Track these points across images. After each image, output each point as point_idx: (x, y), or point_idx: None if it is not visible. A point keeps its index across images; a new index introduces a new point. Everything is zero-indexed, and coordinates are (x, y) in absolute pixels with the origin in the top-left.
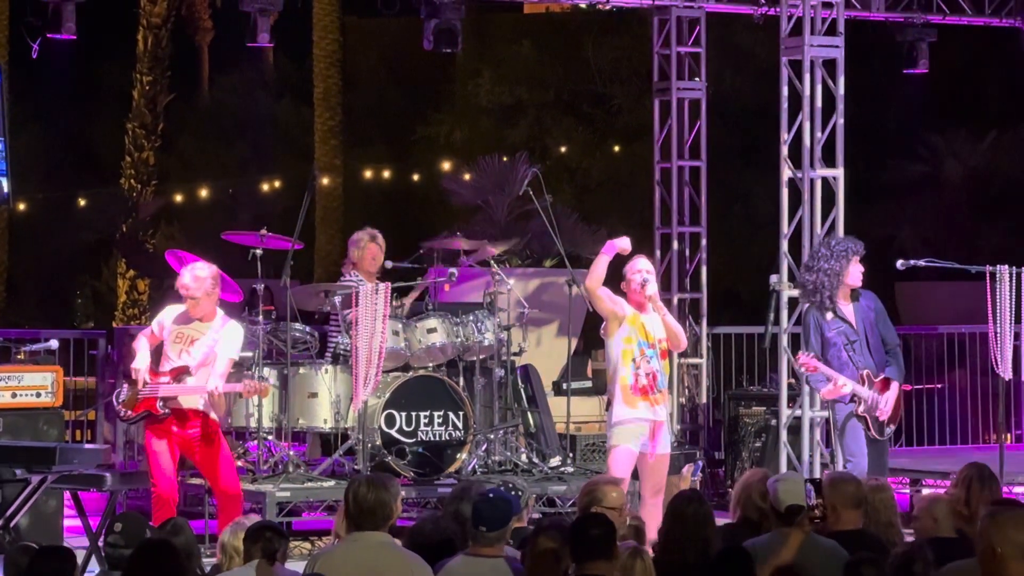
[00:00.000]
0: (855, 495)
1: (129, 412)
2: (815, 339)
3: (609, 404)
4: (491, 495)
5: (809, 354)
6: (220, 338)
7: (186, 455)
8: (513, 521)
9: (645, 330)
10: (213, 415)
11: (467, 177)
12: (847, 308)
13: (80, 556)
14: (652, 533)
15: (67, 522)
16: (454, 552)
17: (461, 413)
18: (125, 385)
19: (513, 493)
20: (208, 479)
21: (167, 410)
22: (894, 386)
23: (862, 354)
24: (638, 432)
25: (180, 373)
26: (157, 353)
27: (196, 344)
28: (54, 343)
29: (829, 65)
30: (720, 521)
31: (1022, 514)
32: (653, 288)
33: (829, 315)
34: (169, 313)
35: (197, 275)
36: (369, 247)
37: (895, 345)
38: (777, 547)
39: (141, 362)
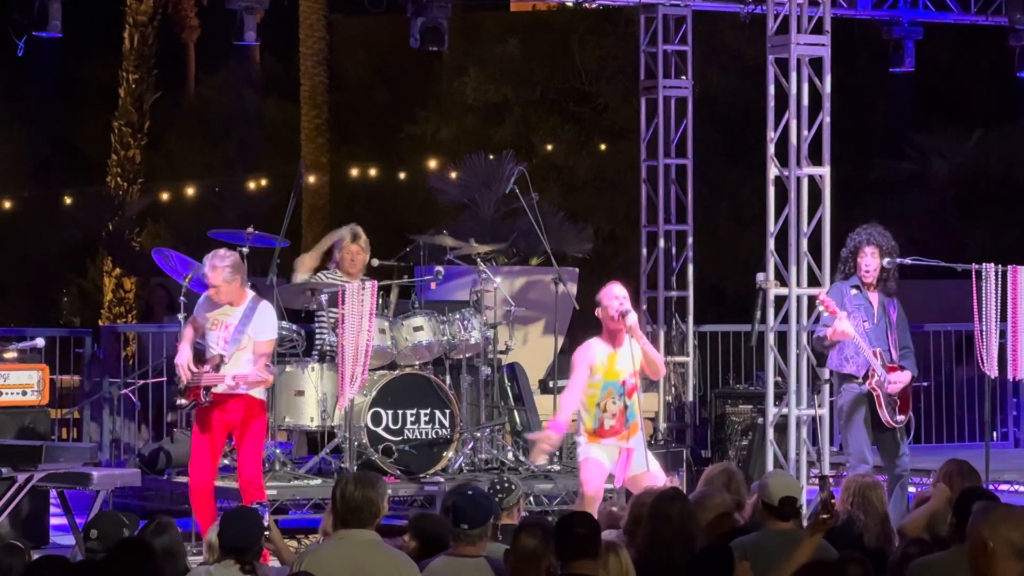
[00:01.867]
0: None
1: (182, 400)
2: (835, 299)
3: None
4: (470, 493)
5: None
6: (254, 321)
7: (232, 436)
8: (503, 517)
9: (614, 368)
10: (256, 394)
11: (453, 175)
12: (873, 296)
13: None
14: None
15: (53, 520)
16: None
17: (447, 411)
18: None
19: (507, 486)
20: (238, 462)
21: (209, 399)
22: (907, 373)
23: (878, 336)
24: (605, 452)
25: (218, 363)
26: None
27: (230, 329)
28: (40, 341)
29: (815, 63)
30: None
31: (1017, 512)
32: (633, 319)
33: (854, 291)
34: (200, 302)
35: (214, 264)
36: (349, 248)
37: (911, 350)
38: (769, 544)
39: (182, 358)
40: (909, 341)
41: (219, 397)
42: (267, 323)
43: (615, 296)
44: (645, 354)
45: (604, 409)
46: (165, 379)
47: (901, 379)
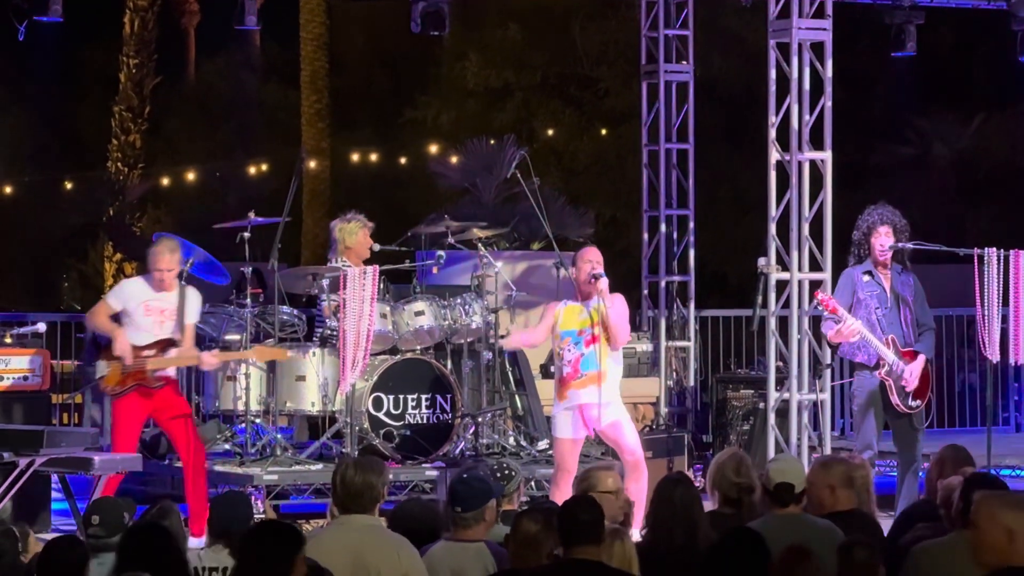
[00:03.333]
0: (845, 474)
1: (116, 387)
2: (843, 292)
3: None
4: (466, 476)
5: (830, 296)
6: (188, 307)
7: (157, 419)
8: (503, 503)
9: (573, 319)
10: (173, 376)
11: (454, 160)
12: (884, 277)
13: None
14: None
15: (55, 505)
16: (438, 535)
17: (449, 396)
18: (102, 362)
19: (507, 472)
20: (178, 448)
21: (161, 383)
22: (921, 358)
23: (891, 322)
24: (568, 420)
25: (166, 346)
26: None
27: (166, 313)
28: (41, 326)
29: (817, 48)
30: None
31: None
32: (605, 284)
33: (866, 277)
34: (134, 287)
35: (173, 248)
36: (361, 232)
37: (929, 328)
38: (771, 530)
39: (127, 344)
40: (928, 318)
41: (151, 381)
42: (197, 307)
43: (588, 259)
44: (608, 321)
45: (561, 357)
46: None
47: (915, 371)
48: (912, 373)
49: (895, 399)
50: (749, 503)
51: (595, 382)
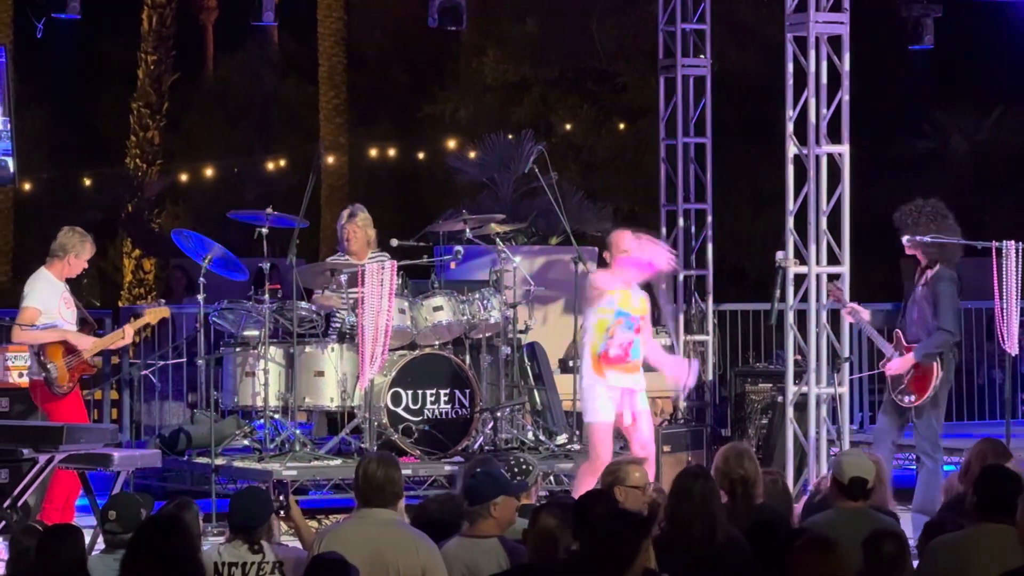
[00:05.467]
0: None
1: (69, 384)
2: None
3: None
4: (478, 470)
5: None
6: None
7: None
8: (522, 497)
9: (631, 303)
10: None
11: (472, 155)
12: (924, 275)
13: (88, 535)
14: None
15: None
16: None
17: (467, 391)
18: (51, 364)
19: (524, 467)
20: None
21: (96, 365)
22: (909, 355)
23: (901, 317)
24: (608, 400)
25: (92, 331)
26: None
27: (72, 302)
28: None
29: (834, 41)
30: None
31: None
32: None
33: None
34: (50, 285)
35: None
36: (346, 228)
37: (942, 329)
38: (839, 523)
39: (83, 335)
40: (944, 321)
41: (91, 366)
42: None
43: (637, 244)
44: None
45: (612, 335)
46: (185, 360)
47: (894, 364)
48: (894, 362)
49: (890, 392)
50: (744, 494)
51: (638, 371)
